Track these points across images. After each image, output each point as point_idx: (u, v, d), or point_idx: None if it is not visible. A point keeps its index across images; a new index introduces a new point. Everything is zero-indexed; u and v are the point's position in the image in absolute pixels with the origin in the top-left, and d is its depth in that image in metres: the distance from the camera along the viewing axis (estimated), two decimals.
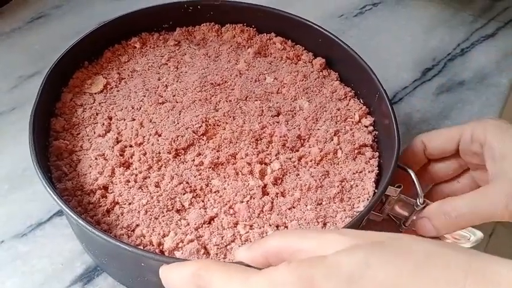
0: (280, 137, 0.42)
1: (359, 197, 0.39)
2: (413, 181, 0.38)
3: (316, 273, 0.22)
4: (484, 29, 0.67)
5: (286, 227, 0.37)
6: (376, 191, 0.39)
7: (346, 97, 0.47)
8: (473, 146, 0.38)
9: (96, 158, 0.38)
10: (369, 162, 0.42)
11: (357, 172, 0.41)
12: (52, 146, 0.39)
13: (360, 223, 0.37)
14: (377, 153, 0.43)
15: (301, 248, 0.24)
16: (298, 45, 0.51)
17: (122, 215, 0.36)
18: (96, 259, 0.39)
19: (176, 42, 0.50)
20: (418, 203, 0.38)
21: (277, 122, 0.43)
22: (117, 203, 0.36)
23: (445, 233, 0.38)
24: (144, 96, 0.44)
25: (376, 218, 0.41)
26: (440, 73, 0.61)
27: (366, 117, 0.45)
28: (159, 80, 0.46)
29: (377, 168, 0.42)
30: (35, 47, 0.59)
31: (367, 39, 0.63)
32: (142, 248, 0.34)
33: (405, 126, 0.54)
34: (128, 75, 0.46)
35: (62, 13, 0.64)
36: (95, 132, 0.40)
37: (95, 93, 0.44)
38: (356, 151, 0.42)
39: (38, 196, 0.44)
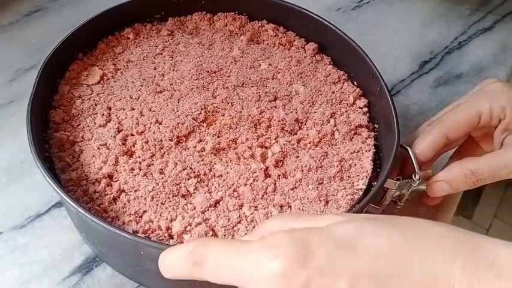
0: (279, 120, 0.43)
1: (358, 175, 0.40)
2: (411, 158, 0.40)
3: (311, 238, 0.23)
4: (481, 22, 0.68)
5: (290, 206, 0.38)
6: (373, 170, 0.41)
7: (339, 80, 0.48)
8: (492, 122, 0.39)
9: (98, 148, 0.39)
10: (365, 141, 0.43)
11: (354, 152, 0.42)
12: (53, 137, 0.39)
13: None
14: (373, 133, 0.44)
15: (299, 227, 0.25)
16: (290, 32, 0.52)
17: (129, 202, 0.36)
18: (95, 248, 0.39)
19: (169, 32, 0.50)
20: (415, 179, 0.39)
21: (275, 107, 0.44)
22: (123, 190, 0.37)
23: (462, 189, 0.40)
24: (142, 85, 0.44)
25: (374, 211, 0.41)
26: (437, 66, 0.62)
27: (360, 99, 0.47)
28: (155, 69, 0.46)
29: (373, 147, 0.43)
30: (32, 40, 0.58)
31: (365, 33, 0.64)
32: (151, 232, 0.34)
33: (403, 119, 0.54)
34: (124, 66, 0.46)
35: (59, 6, 0.64)
36: (95, 123, 0.41)
37: (92, 85, 0.44)
38: (352, 132, 0.44)
39: (37, 188, 0.44)
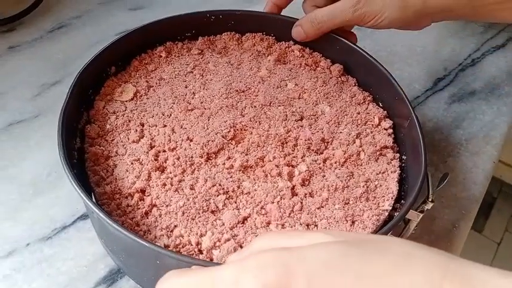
0: (305, 140, 0.44)
1: (383, 196, 0.41)
2: (428, 182, 0.40)
3: (293, 258, 0.22)
4: (494, 39, 0.69)
5: (316, 225, 0.38)
6: (399, 191, 0.41)
7: (364, 101, 0.49)
8: None
9: (132, 163, 0.40)
10: (391, 163, 0.44)
11: (380, 173, 0.43)
12: (88, 152, 0.41)
13: None
14: (397, 154, 0.45)
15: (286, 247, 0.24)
16: (315, 53, 0.53)
17: (160, 216, 0.37)
18: (114, 256, 0.40)
19: (199, 51, 0.52)
20: (429, 202, 0.40)
21: (301, 126, 0.45)
22: (155, 205, 0.38)
23: (312, 36, 0.50)
24: (174, 103, 0.46)
25: None
26: (451, 83, 0.63)
27: (384, 120, 0.47)
28: (186, 87, 0.48)
29: (399, 168, 0.43)
30: (56, 56, 0.61)
31: (380, 50, 0.65)
32: (182, 247, 0.35)
33: None
34: (156, 83, 0.48)
35: (82, 23, 0.66)
36: (128, 139, 0.42)
37: (126, 101, 0.45)
38: (378, 153, 0.44)
39: (62, 201, 0.46)
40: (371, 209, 0.40)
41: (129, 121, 0.44)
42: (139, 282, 0.40)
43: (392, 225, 0.36)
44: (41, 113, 0.54)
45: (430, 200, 0.39)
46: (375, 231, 0.39)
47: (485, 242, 1.42)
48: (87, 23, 0.66)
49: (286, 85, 0.50)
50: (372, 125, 0.47)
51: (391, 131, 0.47)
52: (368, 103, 0.49)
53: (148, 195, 0.39)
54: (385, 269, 0.21)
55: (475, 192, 0.49)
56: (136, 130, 0.43)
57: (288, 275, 0.21)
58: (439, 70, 0.64)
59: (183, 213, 0.38)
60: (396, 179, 0.42)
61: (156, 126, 0.43)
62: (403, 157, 0.45)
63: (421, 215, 0.39)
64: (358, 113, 0.48)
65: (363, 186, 0.41)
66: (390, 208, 0.40)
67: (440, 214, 0.47)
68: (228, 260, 0.28)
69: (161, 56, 0.51)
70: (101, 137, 0.42)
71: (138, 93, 0.46)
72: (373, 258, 0.22)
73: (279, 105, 0.47)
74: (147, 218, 0.37)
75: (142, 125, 0.44)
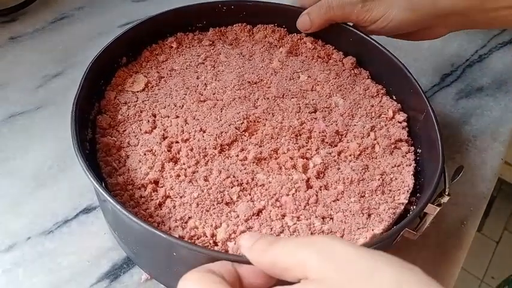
0: (319, 132, 0.43)
1: (399, 190, 0.40)
2: (445, 177, 0.39)
3: None
4: (501, 36, 0.68)
5: (332, 218, 0.38)
6: (414, 183, 0.41)
7: (378, 94, 0.48)
8: None
9: (145, 154, 0.40)
10: (406, 156, 0.43)
11: (395, 166, 0.42)
12: (100, 142, 0.40)
13: (394, 239, 0.37)
14: (412, 147, 0.44)
15: (287, 267, 0.24)
16: (328, 45, 0.53)
17: (174, 208, 0.37)
18: (127, 247, 0.39)
19: (210, 42, 0.51)
20: (445, 195, 0.39)
21: (315, 118, 0.45)
22: (169, 196, 0.37)
23: (317, 26, 0.50)
24: (186, 94, 0.45)
25: (410, 236, 0.40)
26: (459, 79, 0.62)
27: (398, 113, 0.47)
28: (197, 78, 0.47)
29: (413, 161, 0.43)
30: (58, 47, 0.60)
31: (386, 44, 0.63)
32: (196, 238, 0.35)
33: None
34: (167, 74, 0.47)
35: (84, 14, 0.66)
36: (141, 129, 0.42)
37: (137, 92, 0.45)
38: (392, 146, 0.44)
39: (64, 194, 0.45)
40: (387, 202, 0.39)
41: (141, 112, 0.43)
42: (153, 274, 0.40)
43: (410, 219, 0.35)
44: (43, 104, 0.53)
45: (446, 193, 0.39)
46: (392, 225, 0.38)
47: (484, 240, 1.42)
48: (89, 14, 0.65)
49: (299, 77, 0.49)
50: (386, 118, 0.46)
51: (405, 124, 0.46)
52: (381, 96, 0.48)
53: (162, 187, 0.38)
54: None
55: (483, 189, 0.49)
56: (148, 121, 0.42)
57: None
58: (446, 66, 0.64)
59: (198, 204, 0.37)
60: (411, 173, 0.42)
61: (169, 117, 0.43)
62: (418, 150, 0.44)
63: (438, 209, 0.38)
64: (372, 106, 0.47)
65: (379, 180, 0.41)
66: (406, 201, 0.40)
67: (448, 211, 0.46)
68: (239, 242, 0.28)
69: (172, 47, 0.50)
70: (112, 128, 0.42)
71: (149, 84, 0.46)
72: None
73: (292, 97, 0.46)
74: (161, 209, 0.37)
75: (155, 115, 0.43)
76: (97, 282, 0.39)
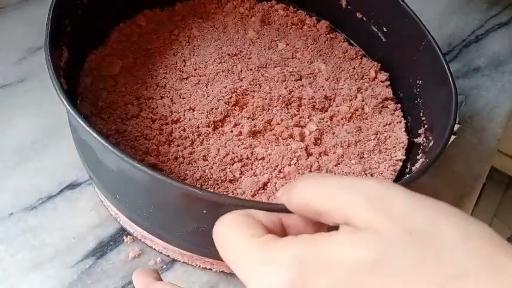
0: (309, 99, 0.43)
1: (394, 147, 0.41)
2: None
3: (315, 261, 0.18)
4: (498, 16, 0.68)
5: None
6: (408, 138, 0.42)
7: (357, 56, 0.48)
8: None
9: (136, 139, 0.37)
10: (394, 113, 0.44)
11: (386, 124, 0.43)
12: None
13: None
14: (399, 104, 0.45)
15: (324, 211, 0.21)
16: (300, 11, 0.52)
17: None
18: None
19: (180, 17, 0.49)
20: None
21: (302, 86, 0.44)
22: None
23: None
24: (166, 73, 0.43)
25: None
26: (455, 59, 0.62)
27: (380, 73, 0.47)
28: (174, 55, 0.44)
29: (403, 118, 0.44)
30: (42, 19, 0.55)
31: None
32: None
33: None
34: (142, 54, 0.44)
35: None
36: (127, 114, 0.39)
37: (115, 75, 0.42)
38: (380, 105, 0.44)
39: (48, 170, 0.42)
40: (385, 160, 0.40)
41: (123, 96, 0.40)
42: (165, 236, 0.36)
43: (439, 153, 0.33)
44: (27, 77, 0.49)
45: (457, 122, 0.38)
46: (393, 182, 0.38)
47: None
48: None
49: (277, 46, 0.48)
50: (369, 78, 0.47)
51: (388, 83, 0.47)
52: (361, 57, 0.48)
53: (161, 171, 0.36)
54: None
55: (479, 170, 0.49)
56: (133, 104, 0.40)
57: (300, 282, 0.18)
58: (443, 46, 0.63)
59: (201, 185, 0.35)
60: (403, 129, 0.42)
61: (153, 98, 0.40)
62: (418, 82, 0.43)
63: (454, 137, 0.37)
64: (354, 68, 0.47)
65: (374, 139, 0.41)
66: (404, 157, 0.40)
67: (444, 191, 0.46)
68: (276, 195, 0.25)
69: (141, 25, 0.47)
70: (95, 116, 0.39)
71: (125, 66, 0.43)
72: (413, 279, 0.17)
73: (275, 66, 0.45)
74: None
75: (138, 98, 0.40)
76: (83, 259, 0.37)
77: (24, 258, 0.36)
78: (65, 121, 0.45)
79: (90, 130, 0.28)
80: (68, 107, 0.29)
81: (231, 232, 0.22)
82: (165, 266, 0.37)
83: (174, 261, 0.38)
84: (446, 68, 0.38)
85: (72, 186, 0.41)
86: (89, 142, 0.32)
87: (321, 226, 0.23)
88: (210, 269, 0.37)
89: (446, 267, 0.17)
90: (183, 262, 0.37)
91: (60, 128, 0.45)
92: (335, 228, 0.20)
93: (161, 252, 0.38)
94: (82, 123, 0.28)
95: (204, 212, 0.29)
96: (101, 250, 0.38)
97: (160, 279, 0.26)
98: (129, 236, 0.38)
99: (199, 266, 0.37)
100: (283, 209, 0.23)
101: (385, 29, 0.47)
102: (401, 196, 0.19)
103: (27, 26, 0.54)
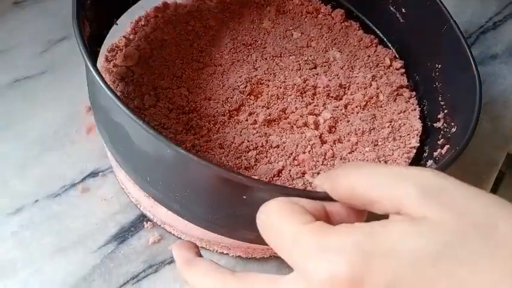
0: (324, 87, 0.43)
1: (409, 134, 0.41)
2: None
3: (376, 248, 0.18)
4: None
5: None
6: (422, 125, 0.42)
7: (372, 44, 0.48)
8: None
9: (154, 129, 0.38)
10: (409, 101, 0.44)
11: (401, 112, 0.43)
12: None
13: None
14: (414, 92, 0.45)
15: (375, 200, 0.21)
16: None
17: None
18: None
19: (195, 8, 0.49)
20: None
21: (317, 74, 0.44)
22: None
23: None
24: (182, 63, 0.43)
25: None
26: (472, 46, 0.61)
27: (395, 61, 0.47)
28: (191, 46, 0.45)
29: (418, 106, 0.44)
30: (62, 11, 0.57)
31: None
32: None
33: None
34: (159, 45, 0.45)
35: None
36: (144, 104, 0.40)
37: (132, 66, 0.43)
38: (395, 93, 0.44)
39: (71, 158, 0.44)
40: (399, 147, 0.40)
41: (140, 86, 0.41)
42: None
43: (467, 139, 0.34)
44: (48, 69, 0.51)
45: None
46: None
47: None
48: None
49: (292, 35, 0.48)
50: (384, 66, 0.47)
51: (403, 70, 0.47)
52: (376, 45, 0.48)
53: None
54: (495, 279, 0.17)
55: (495, 157, 0.49)
56: (150, 94, 0.41)
57: (362, 270, 0.18)
58: None
59: None
60: (418, 116, 0.43)
61: (170, 88, 0.41)
62: (437, 66, 0.43)
63: None
64: (369, 56, 0.47)
65: (388, 127, 0.41)
66: (418, 145, 0.40)
67: (459, 179, 0.46)
68: (314, 183, 0.25)
69: (157, 16, 0.48)
70: None
71: (142, 57, 0.44)
72: (482, 263, 0.17)
73: (290, 55, 0.46)
74: None
75: (155, 88, 0.41)
76: (105, 244, 0.39)
77: (49, 243, 0.38)
78: (86, 110, 0.46)
79: (128, 111, 0.28)
80: (103, 85, 0.29)
81: (279, 219, 0.22)
82: None
83: None
84: (469, 53, 0.38)
85: (94, 174, 0.43)
86: (123, 124, 0.32)
87: (362, 214, 0.23)
88: (227, 254, 0.38)
89: None
90: (201, 247, 0.39)
91: (81, 118, 0.46)
92: (375, 217, 0.20)
93: (180, 238, 0.39)
94: (119, 103, 0.28)
95: (244, 197, 0.29)
96: (122, 235, 0.39)
97: (200, 255, 0.26)
98: (149, 222, 0.40)
99: (217, 251, 0.38)
100: (326, 197, 0.23)
101: (403, 10, 0.47)
102: (458, 187, 0.20)
103: (47, 18, 0.55)
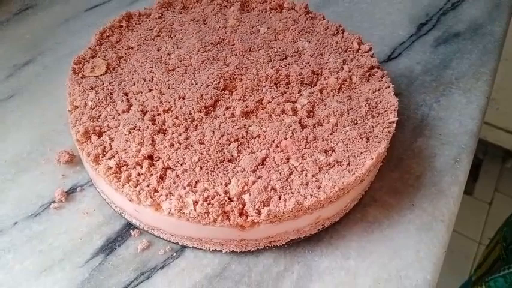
0: (296, 75, 0.43)
1: (386, 110, 0.41)
2: None
3: None
4: None
5: (334, 150, 0.38)
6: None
7: (338, 31, 0.49)
8: None
9: (130, 132, 0.37)
10: (382, 80, 0.44)
11: (375, 90, 0.43)
12: (78, 131, 0.37)
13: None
14: (386, 71, 0.45)
15: None
16: None
17: (178, 176, 0.35)
18: None
19: (160, 15, 0.49)
20: None
21: (288, 64, 0.44)
22: (168, 167, 0.36)
23: None
24: (152, 67, 0.43)
25: None
26: (435, 27, 0.62)
27: (363, 44, 0.48)
28: (158, 50, 0.45)
29: (391, 83, 0.44)
30: (25, 36, 0.57)
31: (359, 2, 0.64)
32: (211, 199, 0.34)
33: (407, 79, 0.54)
34: (125, 53, 0.45)
35: (49, 2, 0.62)
36: (117, 110, 0.39)
37: (100, 76, 0.42)
38: (367, 74, 0.45)
39: (47, 177, 0.42)
40: (379, 123, 0.40)
41: (111, 93, 0.40)
42: None
43: None
44: (16, 92, 0.50)
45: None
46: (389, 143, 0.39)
47: (477, 203, 1.40)
48: (53, 2, 0.62)
49: (259, 30, 0.48)
50: (353, 50, 0.47)
51: (371, 52, 0.47)
52: (342, 32, 0.49)
53: (158, 159, 0.36)
54: None
55: (473, 127, 0.49)
56: (122, 100, 0.40)
57: None
58: (421, 16, 0.64)
59: (201, 167, 0.36)
60: (393, 93, 0.43)
61: (142, 92, 0.41)
62: None
63: None
64: (337, 43, 0.47)
65: (365, 106, 0.41)
66: (396, 119, 0.41)
67: (440, 151, 0.47)
68: None
69: (122, 26, 0.47)
70: (84, 115, 0.39)
71: (110, 66, 0.43)
72: None
73: (259, 49, 0.46)
74: (164, 181, 0.35)
75: (126, 94, 0.41)
76: (92, 257, 0.37)
77: (33, 263, 0.36)
78: (58, 129, 0.45)
79: None
80: None
81: None
82: (175, 254, 0.37)
83: (183, 247, 0.38)
84: None
85: (73, 189, 0.41)
86: None
87: None
88: (220, 251, 0.37)
89: None
90: (193, 247, 0.37)
91: (53, 136, 0.45)
92: None
93: (170, 241, 0.37)
94: None
95: None
96: (109, 247, 0.38)
97: None
98: (135, 230, 0.38)
99: (210, 249, 0.37)
100: None
101: None
102: None
103: (10, 44, 0.55)
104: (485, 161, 1.50)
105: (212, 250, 0.37)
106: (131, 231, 0.38)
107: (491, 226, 1.35)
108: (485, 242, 1.32)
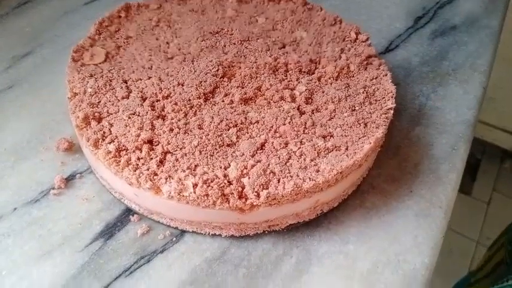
0: (295, 63, 0.43)
1: (384, 97, 0.42)
2: None
3: None
4: None
5: (332, 135, 0.38)
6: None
7: (336, 22, 0.49)
8: None
9: (129, 117, 0.38)
10: (379, 68, 0.45)
11: (373, 78, 0.43)
12: (78, 117, 0.37)
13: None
14: (383, 60, 0.46)
15: None
16: None
17: (177, 160, 0.35)
18: None
19: (158, 6, 0.49)
20: None
21: (287, 52, 0.45)
22: (168, 151, 0.36)
23: None
24: (151, 55, 0.43)
25: None
26: (431, 20, 0.63)
27: (360, 34, 0.48)
28: (157, 39, 0.45)
29: (388, 71, 0.44)
30: (25, 29, 0.57)
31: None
32: (211, 182, 0.34)
33: (405, 70, 0.55)
34: (124, 42, 0.45)
35: None
36: (116, 96, 0.39)
37: (100, 63, 0.42)
38: (365, 62, 0.45)
39: (47, 164, 0.42)
40: (377, 109, 0.40)
41: (111, 80, 0.41)
42: None
43: None
44: (15, 83, 0.50)
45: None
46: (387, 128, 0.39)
47: (475, 203, 1.40)
48: None
49: (257, 20, 0.49)
50: (350, 40, 0.47)
51: (369, 42, 0.47)
52: (339, 22, 0.49)
53: (158, 144, 0.36)
54: None
55: (469, 117, 0.50)
56: (121, 87, 0.40)
57: None
58: (418, 9, 0.65)
59: (200, 152, 0.36)
60: (390, 80, 0.43)
61: (141, 79, 0.41)
62: None
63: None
64: (334, 32, 0.48)
65: (363, 93, 0.42)
66: (394, 105, 0.41)
67: (437, 140, 0.47)
68: None
69: (120, 16, 0.47)
70: (84, 102, 0.39)
71: (109, 54, 0.43)
72: None
73: (258, 38, 0.46)
74: (163, 165, 0.35)
75: (126, 81, 0.41)
76: (91, 242, 0.37)
77: (33, 248, 0.36)
78: (58, 118, 0.45)
79: None
80: None
81: None
82: (174, 239, 0.37)
83: (183, 232, 0.38)
84: None
85: (73, 176, 0.41)
86: None
87: None
88: (220, 235, 0.37)
89: None
90: (192, 232, 0.37)
91: (53, 125, 0.45)
92: None
93: (169, 225, 0.38)
94: None
95: None
96: (109, 232, 0.38)
97: None
98: (135, 215, 0.38)
99: (209, 233, 0.37)
100: None
101: None
102: None
103: (9, 37, 0.55)
104: (483, 160, 1.50)
105: (211, 234, 0.37)
106: (131, 216, 0.38)
107: (489, 226, 1.35)
108: (483, 241, 1.32)
